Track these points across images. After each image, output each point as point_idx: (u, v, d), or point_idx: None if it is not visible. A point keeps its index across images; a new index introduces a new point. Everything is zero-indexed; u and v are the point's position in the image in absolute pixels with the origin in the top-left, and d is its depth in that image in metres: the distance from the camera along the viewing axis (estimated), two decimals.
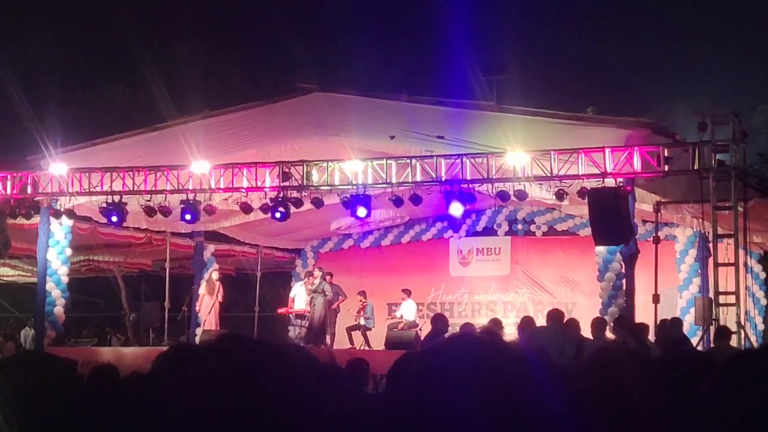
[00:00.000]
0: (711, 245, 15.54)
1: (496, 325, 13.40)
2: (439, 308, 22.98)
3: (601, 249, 16.22)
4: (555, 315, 12.77)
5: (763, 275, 21.85)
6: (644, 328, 13.44)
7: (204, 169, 17.64)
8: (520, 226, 23.53)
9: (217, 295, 21.15)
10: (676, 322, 13.06)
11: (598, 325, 12.86)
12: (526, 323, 13.23)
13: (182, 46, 35.86)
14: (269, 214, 17.91)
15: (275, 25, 33.86)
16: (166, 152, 18.19)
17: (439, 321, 13.46)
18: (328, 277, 20.98)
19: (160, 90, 23.21)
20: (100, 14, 36.21)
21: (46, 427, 1.81)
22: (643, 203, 16.88)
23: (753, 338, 16.03)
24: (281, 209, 17.51)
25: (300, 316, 21.00)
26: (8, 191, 18.75)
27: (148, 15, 37.48)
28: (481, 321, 19.71)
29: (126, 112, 30.80)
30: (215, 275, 21.60)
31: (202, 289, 21.42)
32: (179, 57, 34.47)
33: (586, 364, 3.19)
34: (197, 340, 20.56)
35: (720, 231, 15.29)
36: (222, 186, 17.78)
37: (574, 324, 12.77)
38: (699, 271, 18.98)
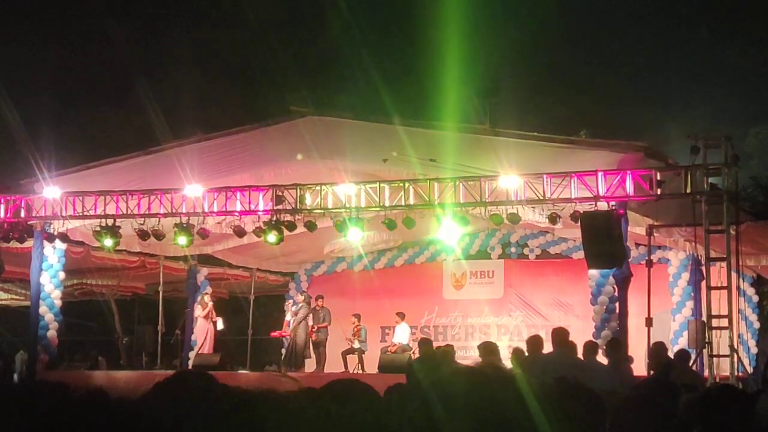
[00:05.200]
0: (704, 268, 15.55)
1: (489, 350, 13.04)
2: (433, 331, 22.98)
3: (594, 272, 16.23)
4: (561, 336, 12.31)
5: (755, 298, 21.87)
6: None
7: (197, 192, 17.65)
8: (513, 249, 23.53)
9: (210, 318, 21.10)
10: (659, 347, 13.02)
11: (589, 348, 12.76)
12: (534, 344, 12.64)
13: (176, 70, 35.94)
14: (262, 238, 17.91)
15: (269, 48, 33.98)
16: (160, 176, 18.21)
17: (427, 345, 13.42)
18: (318, 301, 20.94)
19: (154, 113, 23.22)
20: (95, 38, 36.31)
21: None
22: (636, 226, 16.91)
23: (746, 362, 16.03)
24: (274, 232, 17.52)
25: None
26: (1, 215, 18.73)
27: (142, 39, 37.62)
28: (474, 344, 19.65)
29: (120, 135, 30.78)
30: (207, 297, 21.56)
31: (198, 312, 21.35)
32: (173, 80, 34.54)
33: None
34: (190, 363, 20.50)
35: (713, 254, 15.30)
36: (215, 209, 17.78)
37: (572, 347, 12.61)
38: (692, 294, 18.98)
